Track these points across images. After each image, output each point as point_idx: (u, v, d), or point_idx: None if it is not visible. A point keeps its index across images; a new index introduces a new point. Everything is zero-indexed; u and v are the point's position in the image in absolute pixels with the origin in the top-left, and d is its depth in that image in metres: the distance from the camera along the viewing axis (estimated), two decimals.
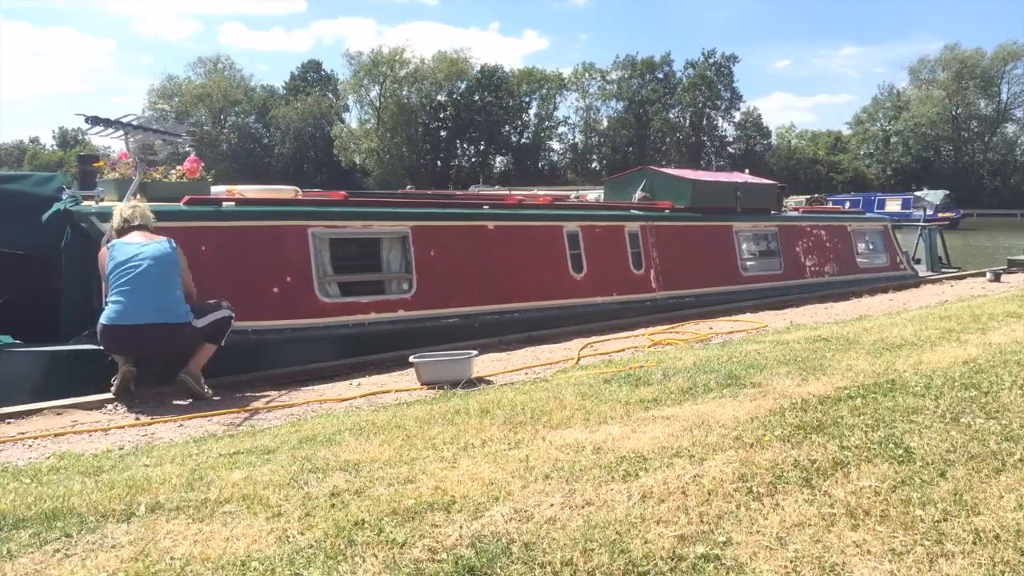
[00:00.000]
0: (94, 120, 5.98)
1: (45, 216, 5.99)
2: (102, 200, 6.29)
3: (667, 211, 10.14)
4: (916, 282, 12.69)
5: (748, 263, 10.90)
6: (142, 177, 6.45)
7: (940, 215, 40.46)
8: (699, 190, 10.71)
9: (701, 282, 10.00)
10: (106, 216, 5.90)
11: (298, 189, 8.41)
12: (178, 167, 7.07)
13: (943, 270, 14.71)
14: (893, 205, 41.09)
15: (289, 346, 6.58)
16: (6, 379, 5.44)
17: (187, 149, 6.59)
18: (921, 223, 17.29)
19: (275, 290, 6.59)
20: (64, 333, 5.89)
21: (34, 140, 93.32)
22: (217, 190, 7.33)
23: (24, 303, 6.37)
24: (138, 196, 6.33)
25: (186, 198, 6.55)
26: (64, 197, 6.15)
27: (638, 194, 10.91)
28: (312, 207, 7.35)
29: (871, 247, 12.94)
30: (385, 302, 7.31)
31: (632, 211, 9.84)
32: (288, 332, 6.60)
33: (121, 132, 6.32)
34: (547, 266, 8.59)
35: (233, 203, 6.83)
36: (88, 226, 5.96)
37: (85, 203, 6.20)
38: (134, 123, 6.32)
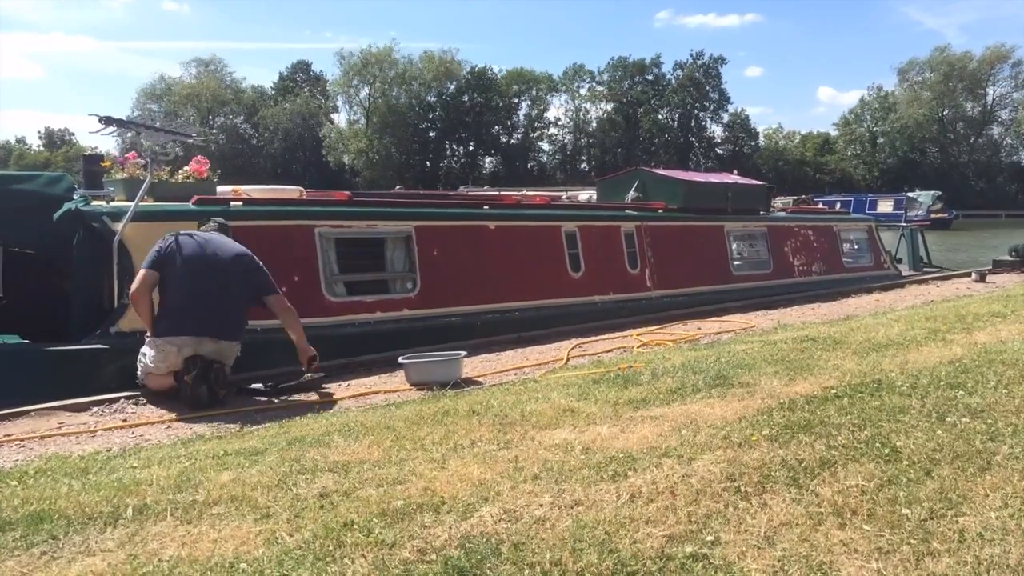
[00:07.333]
0: (107, 120, 6.01)
1: (56, 216, 6.02)
2: (112, 200, 6.35)
3: (661, 211, 10.27)
4: (899, 281, 12.80)
5: (739, 263, 11.05)
6: (154, 177, 6.48)
7: (932, 216, 40.64)
8: (691, 191, 10.83)
9: (694, 281, 10.15)
10: (118, 216, 5.96)
11: (302, 189, 8.53)
12: (185, 167, 7.15)
13: (925, 270, 14.86)
14: (885, 206, 41.07)
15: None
16: (15, 378, 5.37)
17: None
18: (903, 223, 17.44)
19: (283, 289, 6.51)
20: (75, 333, 5.88)
21: (20, 140, 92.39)
22: (222, 190, 7.40)
23: (33, 303, 6.39)
24: (147, 197, 6.35)
25: (195, 198, 6.63)
26: (75, 197, 6.21)
27: (631, 194, 11.00)
28: (318, 207, 7.46)
29: (856, 247, 13.14)
30: (390, 301, 7.41)
31: (627, 211, 9.97)
32: None
33: (132, 132, 6.45)
34: (546, 265, 8.71)
35: (240, 203, 6.91)
36: (100, 226, 5.99)
37: (96, 203, 6.23)
38: (147, 124, 6.49)
